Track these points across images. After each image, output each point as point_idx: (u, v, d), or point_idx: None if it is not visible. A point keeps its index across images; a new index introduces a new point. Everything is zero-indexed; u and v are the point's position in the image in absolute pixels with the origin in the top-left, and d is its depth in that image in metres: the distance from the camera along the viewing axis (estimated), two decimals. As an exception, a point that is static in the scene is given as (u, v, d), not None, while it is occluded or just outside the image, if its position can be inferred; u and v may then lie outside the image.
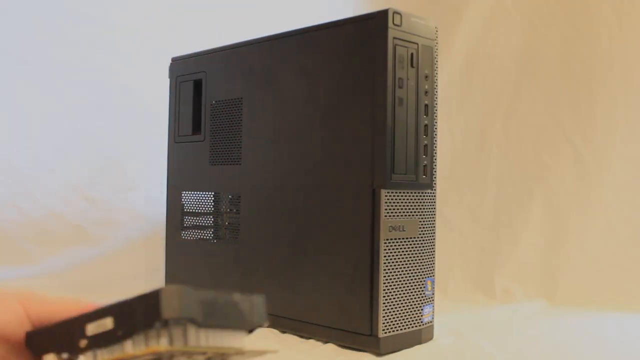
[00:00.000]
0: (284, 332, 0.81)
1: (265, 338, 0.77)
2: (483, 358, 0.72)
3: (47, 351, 0.39)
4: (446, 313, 0.93)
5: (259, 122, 0.86)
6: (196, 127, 0.96)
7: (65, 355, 0.39)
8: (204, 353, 0.36)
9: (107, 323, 0.36)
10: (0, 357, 0.40)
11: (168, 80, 1.01)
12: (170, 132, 1.00)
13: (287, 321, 0.81)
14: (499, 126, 1.25)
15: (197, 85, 0.96)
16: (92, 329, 0.37)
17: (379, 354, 0.71)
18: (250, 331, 0.38)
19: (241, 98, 0.88)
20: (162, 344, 0.34)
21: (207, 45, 0.95)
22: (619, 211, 1.14)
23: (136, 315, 0.35)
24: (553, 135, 1.20)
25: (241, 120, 0.88)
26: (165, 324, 0.34)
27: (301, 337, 0.79)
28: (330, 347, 0.74)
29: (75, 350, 0.37)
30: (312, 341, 0.77)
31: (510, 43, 1.26)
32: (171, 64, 1.01)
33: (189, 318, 0.34)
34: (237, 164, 0.88)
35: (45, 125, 1.25)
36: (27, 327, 0.41)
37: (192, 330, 0.35)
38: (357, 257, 0.73)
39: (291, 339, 0.79)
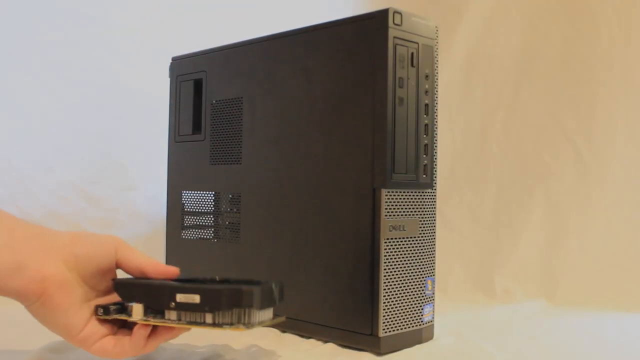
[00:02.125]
0: (284, 331, 0.81)
1: (265, 338, 0.77)
2: (483, 358, 0.72)
3: (133, 300, 0.58)
4: (446, 313, 0.93)
5: (259, 121, 0.86)
6: (196, 127, 0.96)
7: (150, 309, 0.58)
8: (257, 325, 0.56)
9: (195, 298, 0.56)
10: (91, 281, 0.58)
11: (168, 79, 1.01)
12: (170, 132, 1.00)
13: (287, 321, 0.81)
14: (499, 126, 1.25)
15: (198, 84, 0.96)
16: (181, 298, 0.56)
17: (379, 354, 0.71)
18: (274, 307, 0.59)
19: (241, 98, 0.88)
20: (240, 323, 0.55)
21: (207, 45, 0.95)
22: (620, 211, 1.14)
23: (222, 301, 0.55)
24: (553, 135, 1.20)
25: (241, 119, 0.88)
26: (242, 311, 0.55)
27: (301, 336, 0.79)
28: (330, 347, 0.74)
29: (163, 307, 0.57)
30: (312, 340, 0.77)
31: (511, 43, 1.26)
32: (171, 63, 1.01)
33: (255, 307, 0.55)
34: (237, 164, 0.88)
35: (45, 125, 1.25)
36: (112, 262, 0.59)
37: (254, 312, 0.56)
38: (357, 256, 0.73)
39: (291, 338, 0.79)
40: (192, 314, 0.56)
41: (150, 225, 1.25)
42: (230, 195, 0.90)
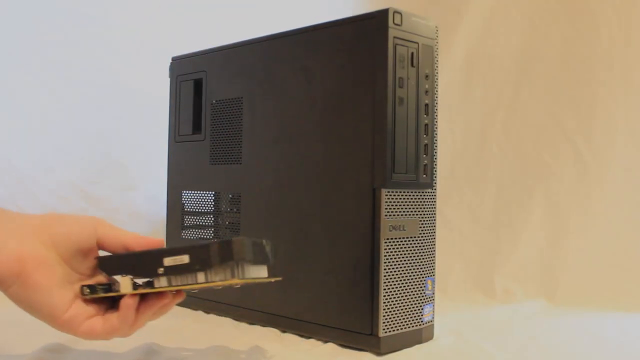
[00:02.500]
0: (284, 331, 0.81)
1: (265, 337, 0.77)
2: (483, 358, 0.72)
3: (119, 273, 0.55)
4: (446, 313, 0.93)
5: (259, 121, 0.86)
6: (196, 127, 0.96)
7: (139, 279, 0.55)
8: (248, 280, 0.53)
9: (184, 259, 0.53)
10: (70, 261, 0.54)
11: (168, 79, 1.01)
12: (170, 132, 1.00)
13: (287, 320, 0.81)
14: (499, 126, 1.25)
15: (198, 84, 0.96)
16: (169, 261, 0.53)
17: (379, 354, 0.71)
18: (268, 266, 0.56)
19: (241, 97, 0.88)
20: (234, 277, 0.52)
21: (207, 45, 0.95)
22: (620, 211, 1.14)
23: (211, 256, 0.52)
24: (553, 135, 1.20)
25: (241, 119, 0.88)
26: (234, 263, 0.51)
27: (301, 336, 0.79)
28: (331, 347, 0.74)
29: (152, 275, 0.54)
30: (312, 340, 0.77)
31: (511, 43, 1.26)
32: (171, 63, 1.01)
33: (247, 259, 0.52)
34: (237, 164, 0.88)
35: (45, 125, 1.25)
36: (92, 242, 0.56)
37: (247, 266, 0.52)
38: (357, 256, 0.73)
39: (291, 338, 0.79)
40: (183, 277, 0.53)
41: (150, 225, 1.25)
42: (230, 195, 0.90)
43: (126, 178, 1.30)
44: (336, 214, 0.75)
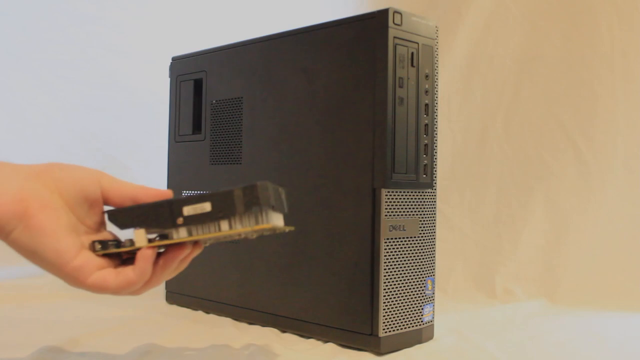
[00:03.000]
0: (284, 331, 0.81)
1: (265, 337, 0.77)
2: (484, 357, 0.72)
3: (133, 226, 0.52)
4: (447, 312, 0.93)
5: (260, 121, 0.86)
6: (196, 127, 0.96)
7: (153, 233, 0.52)
8: (267, 228, 0.51)
9: (206, 207, 0.50)
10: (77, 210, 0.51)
11: (168, 79, 1.01)
12: (170, 132, 1.00)
13: (287, 320, 0.81)
14: (499, 125, 1.25)
15: (198, 84, 0.96)
16: (189, 210, 0.50)
17: (379, 353, 0.71)
18: (283, 215, 0.54)
19: (241, 97, 0.88)
20: (258, 224, 0.49)
21: (207, 45, 0.95)
22: (620, 210, 1.14)
23: (236, 202, 0.49)
24: (554, 134, 1.20)
25: (241, 119, 0.88)
26: (259, 208, 0.49)
27: (301, 336, 0.79)
28: (331, 347, 0.74)
29: (170, 227, 0.51)
30: (312, 340, 0.77)
31: (511, 43, 1.26)
32: (171, 63, 1.01)
33: (271, 204, 0.50)
34: (237, 164, 0.88)
35: (45, 125, 1.25)
36: (97, 194, 0.52)
37: (270, 212, 0.50)
38: (357, 256, 0.73)
39: (291, 338, 0.79)
40: (204, 226, 0.51)
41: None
42: (230, 195, 0.90)
43: (126, 178, 1.30)
44: (336, 214, 0.75)
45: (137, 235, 0.52)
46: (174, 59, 1.01)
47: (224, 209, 0.50)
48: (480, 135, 1.27)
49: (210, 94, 0.93)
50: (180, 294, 0.97)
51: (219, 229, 0.50)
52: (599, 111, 1.17)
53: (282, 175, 0.82)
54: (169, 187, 1.00)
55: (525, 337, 0.82)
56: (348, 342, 0.74)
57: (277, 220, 0.52)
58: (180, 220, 0.51)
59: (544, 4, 1.23)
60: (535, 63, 1.23)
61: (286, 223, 0.54)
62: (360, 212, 0.72)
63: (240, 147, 0.88)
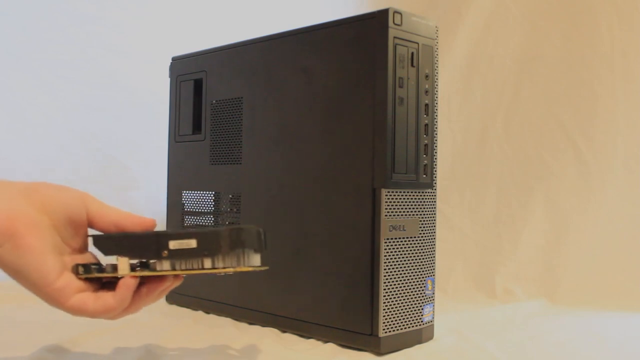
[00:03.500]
0: (284, 331, 0.81)
1: (265, 337, 0.77)
2: (484, 357, 0.72)
3: (117, 254, 0.53)
4: (447, 312, 0.93)
5: (260, 121, 0.86)
6: (196, 127, 0.96)
7: (136, 261, 0.53)
8: (247, 269, 0.52)
9: (191, 243, 0.52)
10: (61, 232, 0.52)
11: (168, 79, 1.01)
12: (170, 132, 1.00)
13: (287, 320, 0.81)
14: (499, 125, 1.25)
15: (198, 84, 0.96)
16: (175, 244, 0.52)
17: (379, 354, 0.71)
18: (261, 254, 0.54)
19: (241, 97, 0.88)
20: (239, 265, 0.51)
21: (207, 45, 0.95)
22: (620, 210, 1.14)
23: (221, 243, 0.51)
24: (554, 134, 1.20)
25: (241, 119, 0.88)
26: (241, 251, 0.51)
27: (301, 336, 0.79)
28: (331, 347, 0.74)
29: (154, 258, 0.52)
30: (312, 340, 0.77)
31: (511, 43, 1.26)
32: (171, 63, 1.01)
33: (254, 247, 0.52)
34: (237, 164, 0.88)
35: (45, 125, 1.25)
36: (83, 216, 0.53)
37: (251, 254, 0.52)
38: (357, 256, 0.73)
39: (291, 338, 0.79)
40: (188, 261, 0.52)
41: (151, 225, 1.25)
42: (230, 195, 0.90)
43: (126, 178, 1.30)
44: (336, 214, 0.75)
45: (121, 263, 0.53)
46: (174, 59, 1.01)
47: (209, 248, 0.52)
48: (480, 135, 1.27)
49: (210, 94, 0.93)
50: (180, 294, 0.97)
51: (202, 266, 0.52)
52: (599, 111, 1.17)
53: (282, 175, 0.82)
54: (168, 187, 1.00)
55: (525, 337, 0.82)
56: (348, 342, 0.74)
57: (255, 261, 0.54)
58: (165, 253, 0.52)
59: (544, 4, 1.23)
60: (535, 63, 1.23)
61: (263, 262, 0.55)
62: (360, 212, 0.72)
63: (240, 147, 0.88)
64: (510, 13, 1.26)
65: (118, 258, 0.53)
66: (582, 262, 1.13)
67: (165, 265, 0.53)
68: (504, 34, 1.26)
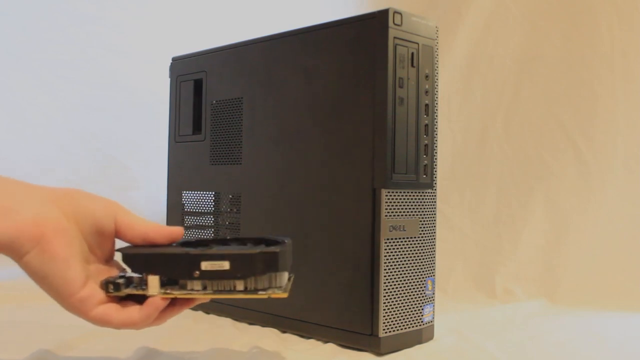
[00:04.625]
0: (284, 331, 0.81)
1: (265, 337, 0.77)
2: (484, 357, 0.72)
3: (146, 272, 0.52)
4: (447, 312, 0.93)
5: (260, 121, 0.86)
6: (196, 127, 0.96)
7: (166, 279, 0.52)
8: (287, 287, 0.53)
9: (224, 265, 0.50)
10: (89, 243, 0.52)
11: (168, 79, 1.01)
12: (170, 132, 1.00)
13: (287, 320, 0.81)
14: (499, 125, 1.25)
15: (198, 84, 0.96)
16: (207, 265, 0.51)
17: (379, 354, 0.71)
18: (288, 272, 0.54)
19: (242, 98, 0.88)
20: (271, 286, 0.51)
21: (207, 45, 0.95)
22: (620, 210, 1.14)
23: (256, 266, 0.50)
24: (554, 134, 1.20)
25: (242, 119, 0.88)
26: (275, 273, 0.51)
27: (301, 336, 0.79)
28: (331, 347, 0.74)
29: (185, 277, 0.51)
30: (312, 340, 0.77)
31: (511, 43, 1.26)
32: (171, 63, 1.01)
33: (287, 268, 0.52)
34: (237, 164, 0.88)
35: (45, 125, 1.25)
36: (111, 226, 0.53)
37: (282, 274, 0.52)
38: (357, 256, 0.73)
39: (291, 338, 0.79)
40: (220, 282, 0.51)
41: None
42: (230, 196, 0.90)
43: (126, 178, 1.30)
44: (336, 214, 0.75)
45: (151, 282, 0.52)
46: (174, 59, 1.01)
47: (242, 270, 0.51)
48: (480, 135, 1.27)
49: (211, 94, 0.93)
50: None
51: (234, 288, 0.51)
52: (599, 111, 1.17)
53: (282, 176, 0.82)
54: (169, 187, 1.00)
55: (525, 337, 0.82)
56: (348, 342, 0.74)
57: (285, 278, 0.53)
58: (196, 273, 0.51)
59: (544, 4, 1.23)
60: (535, 63, 1.23)
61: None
62: (360, 212, 0.72)
63: (240, 147, 0.88)
64: (510, 13, 1.26)
65: (148, 276, 0.52)
66: (582, 262, 1.13)
67: (197, 285, 0.52)
68: (504, 34, 1.26)
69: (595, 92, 1.17)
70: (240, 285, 0.51)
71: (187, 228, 0.97)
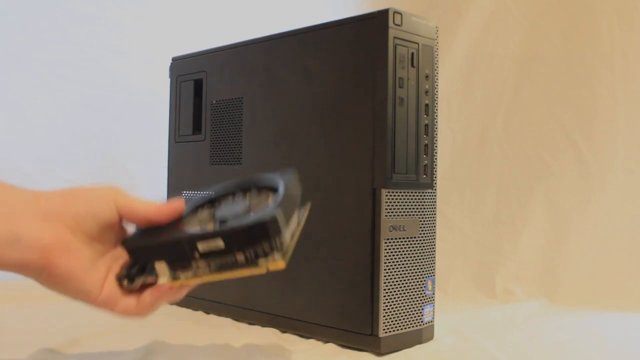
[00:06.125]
0: (284, 331, 0.81)
1: (265, 337, 0.77)
2: (484, 357, 0.72)
3: (152, 259, 0.53)
4: (447, 312, 0.93)
5: (260, 121, 0.86)
6: (196, 127, 0.96)
7: (174, 264, 0.53)
8: (292, 243, 0.53)
9: (219, 243, 0.50)
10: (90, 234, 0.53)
11: (168, 79, 1.01)
12: (170, 132, 1.00)
13: (287, 320, 0.81)
14: (499, 125, 1.25)
15: (198, 84, 0.96)
16: (203, 246, 0.51)
17: (379, 354, 0.71)
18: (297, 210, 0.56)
19: (242, 98, 0.88)
20: (276, 256, 0.50)
21: (207, 45, 0.95)
22: (620, 210, 1.14)
23: (247, 238, 0.50)
24: (554, 134, 1.20)
25: (242, 120, 0.88)
26: (270, 241, 0.49)
27: (301, 336, 0.79)
28: (331, 347, 0.74)
29: (189, 259, 0.52)
30: (312, 340, 0.77)
31: (511, 43, 1.26)
32: (171, 63, 1.01)
33: (284, 230, 0.50)
34: (237, 164, 0.88)
35: (45, 125, 1.25)
36: (115, 215, 0.54)
37: (283, 236, 0.50)
38: (357, 256, 0.73)
39: (291, 338, 0.79)
40: (222, 258, 0.52)
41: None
42: (230, 195, 0.90)
43: (126, 178, 1.30)
44: (336, 214, 0.75)
45: (160, 270, 0.53)
46: (174, 59, 1.01)
47: (237, 245, 0.50)
48: (480, 135, 1.27)
49: (211, 94, 0.93)
50: (180, 294, 0.97)
51: (236, 261, 0.51)
52: (599, 111, 1.17)
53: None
54: (168, 187, 1.00)
55: (525, 337, 0.82)
56: (348, 342, 0.74)
57: (291, 228, 0.53)
58: (197, 255, 0.52)
59: (544, 4, 1.23)
60: (535, 63, 1.23)
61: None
62: (360, 212, 0.72)
63: (240, 147, 0.88)
64: (510, 13, 1.26)
65: (156, 264, 0.53)
66: (582, 262, 1.13)
67: (201, 264, 0.52)
68: (504, 34, 1.26)
69: (595, 92, 1.17)
70: (240, 257, 0.51)
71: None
